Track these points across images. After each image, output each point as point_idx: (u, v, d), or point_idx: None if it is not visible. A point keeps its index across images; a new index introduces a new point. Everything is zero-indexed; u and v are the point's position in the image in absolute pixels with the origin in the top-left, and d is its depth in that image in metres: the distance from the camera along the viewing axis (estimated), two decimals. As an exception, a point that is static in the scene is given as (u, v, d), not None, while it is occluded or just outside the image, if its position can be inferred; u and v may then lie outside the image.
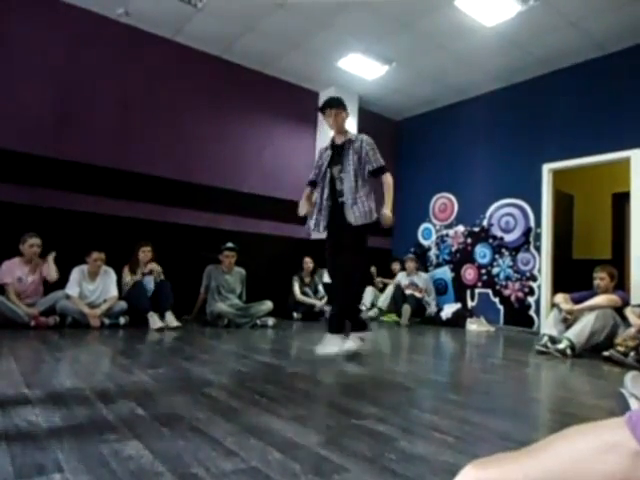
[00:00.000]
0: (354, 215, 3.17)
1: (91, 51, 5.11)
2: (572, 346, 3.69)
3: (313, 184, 3.50)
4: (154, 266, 4.70)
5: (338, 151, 3.32)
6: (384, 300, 6.46)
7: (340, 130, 3.34)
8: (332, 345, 3.15)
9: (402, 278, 6.56)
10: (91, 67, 5.10)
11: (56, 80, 4.89)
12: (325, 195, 3.32)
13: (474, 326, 5.83)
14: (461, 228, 6.74)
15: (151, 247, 4.73)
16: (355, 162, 3.23)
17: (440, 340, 4.84)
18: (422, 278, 6.51)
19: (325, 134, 6.82)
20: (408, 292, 6.26)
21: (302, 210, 3.44)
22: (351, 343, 3.21)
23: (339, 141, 3.34)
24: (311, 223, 3.37)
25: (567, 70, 5.76)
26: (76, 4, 4.97)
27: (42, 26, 4.83)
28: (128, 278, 4.60)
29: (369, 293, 6.78)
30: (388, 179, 3.26)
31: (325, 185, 3.34)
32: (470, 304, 6.47)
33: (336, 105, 3.30)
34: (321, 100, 6.97)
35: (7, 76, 4.62)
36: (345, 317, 3.28)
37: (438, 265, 6.98)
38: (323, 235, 7.00)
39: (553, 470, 0.58)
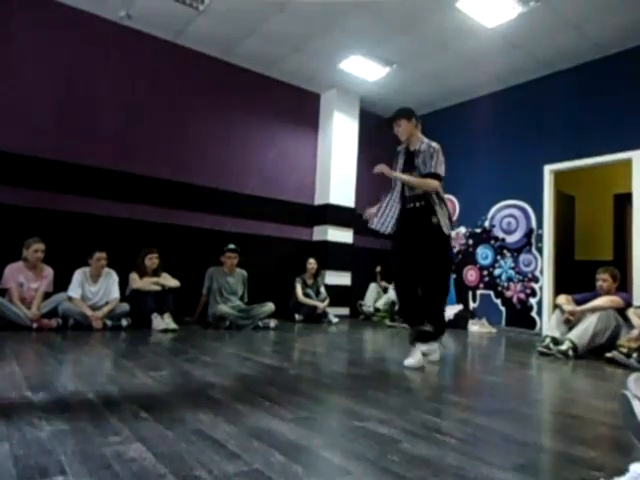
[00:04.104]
0: (438, 220, 3.08)
1: (93, 54, 5.12)
2: (574, 347, 3.68)
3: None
4: (164, 281, 4.69)
5: (410, 157, 3.25)
6: (385, 303, 6.49)
7: (406, 139, 3.27)
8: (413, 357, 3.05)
9: None
10: (93, 70, 5.12)
11: (58, 83, 4.90)
12: (395, 198, 3.25)
13: (476, 327, 5.83)
14: (463, 229, 6.73)
15: (157, 253, 4.72)
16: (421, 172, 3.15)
17: (442, 341, 4.82)
18: None
19: (326, 136, 6.83)
20: None
21: (371, 213, 3.37)
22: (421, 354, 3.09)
23: (412, 147, 3.26)
24: (375, 220, 3.27)
25: (568, 71, 5.76)
26: (78, 7, 4.99)
27: (45, 29, 4.84)
28: (137, 285, 4.56)
29: (372, 291, 6.80)
30: (430, 180, 3.07)
31: (397, 189, 3.27)
32: (472, 305, 6.46)
33: (395, 117, 3.28)
34: (322, 101, 6.99)
35: (10, 79, 4.64)
36: (432, 324, 3.15)
37: (440, 266, 6.96)
38: (325, 237, 6.98)
39: None
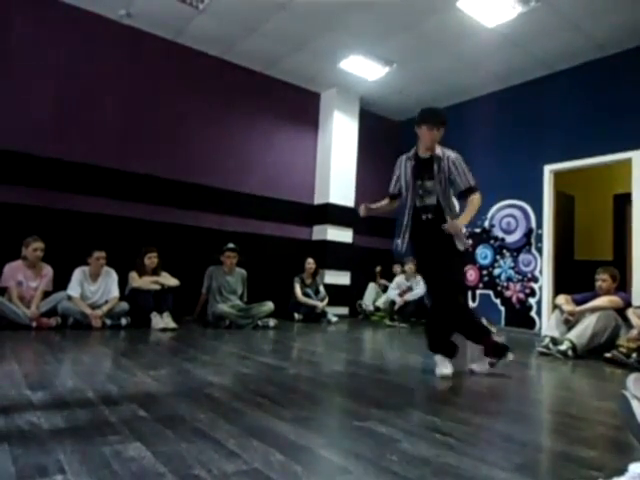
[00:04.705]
0: (460, 241, 2.97)
1: (93, 52, 5.12)
2: (574, 347, 3.69)
3: (393, 197, 3.23)
4: (164, 280, 4.68)
5: (423, 165, 3.04)
6: (384, 302, 6.48)
7: (430, 147, 3.03)
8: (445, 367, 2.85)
9: (401, 282, 6.51)
10: (93, 68, 5.11)
11: (58, 81, 4.90)
12: (409, 210, 3.05)
13: (475, 327, 5.81)
14: (462, 229, 6.72)
15: (156, 252, 4.72)
16: (444, 182, 2.99)
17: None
18: (421, 285, 6.44)
19: (326, 135, 6.82)
20: (406, 297, 6.21)
21: (362, 211, 3.20)
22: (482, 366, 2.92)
23: (424, 155, 3.05)
24: (398, 241, 3.12)
25: (568, 71, 5.75)
26: (78, 5, 4.98)
27: (44, 27, 4.84)
28: (136, 284, 4.56)
29: (372, 290, 6.80)
30: (476, 197, 3.01)
31: (410, 199, 3.05)
32: (471, 305, 6.46)
33: (440, 123, 2.97)
34: (322, 101, 6.97)
35: (9, 77, 4.63)
36: (468, 337, 2.99)
37: (439, 266, 6.96)
38: (324, 236, 6.98)
39: None
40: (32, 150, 4.68)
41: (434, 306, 3.05)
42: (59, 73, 4.91)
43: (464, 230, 3.13)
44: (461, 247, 2.98)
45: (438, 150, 3.04)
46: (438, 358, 2.87)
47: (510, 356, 2.94)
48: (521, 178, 6.09)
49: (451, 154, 3.05)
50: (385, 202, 3.28)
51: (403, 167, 3.14)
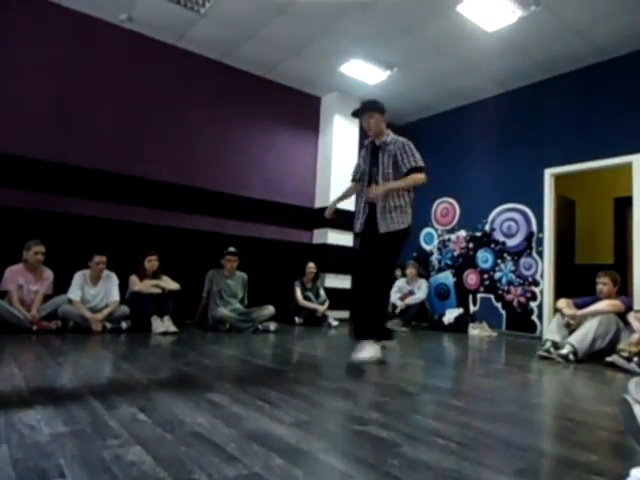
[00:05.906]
0: (385, 222, 3.12)
1: (94, 56, 5.14)
2: (575, 351, 3.68)
3: (354, 181, 3.53)
4: (165, 284, 4.68)
5: (375, 152, 3.28)
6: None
7: (376, 133, 3.27)
8: (366, 351, 3.07)
9: (402, 286, 6.54)
10: (94, 72, 5.13)
11: (58, 85, 4.92)
12: (364, 195, 3.28)
13: (476, 331, 5.81)
14: (463, 233, 6.73)
15: (157, 255, 4.72)
16: (389, 166, 3.16)
17: (442, 345, 4.83)
18: (422, 289, 6.46)
19: (327, 139, 6.84)
20: (407, 301, 6.28)
21: (328, 212, 3.57)
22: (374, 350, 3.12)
23: (378, 142, 3.29)
24: (355, 222, 3.35)
25: (569, 75, 5.77)
26: (79, 9, 5.00)
27: (45, 31, 4.86)
28: (137, 287, 4.56)
29: None
30: (416, 175, 3.12)
31: (365, 185, 3.30)
32: (472, 309, 6.45)
33: (368, 108, 3.27)
34: (323, 105, 7.00)
35: (9, 81, 4.65)
36: (369, 325, 3.17)
37: (440, 270, 6.97)
38: (325, 240, 6.99)
39: None
40: (33, 154, 4.69)
41: (358, 291, 3.25)
42: (60, 77, 4.93)
43: (408, 218, 3.22)
44: (397, 226, 3.13)
45: (389, 138, 3.24)
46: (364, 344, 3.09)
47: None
48: (522, 182, 6.09)
49: (403, 138, 3.24)
50: (349, 188, 3.58)
51: (362, 154, 3.42)
